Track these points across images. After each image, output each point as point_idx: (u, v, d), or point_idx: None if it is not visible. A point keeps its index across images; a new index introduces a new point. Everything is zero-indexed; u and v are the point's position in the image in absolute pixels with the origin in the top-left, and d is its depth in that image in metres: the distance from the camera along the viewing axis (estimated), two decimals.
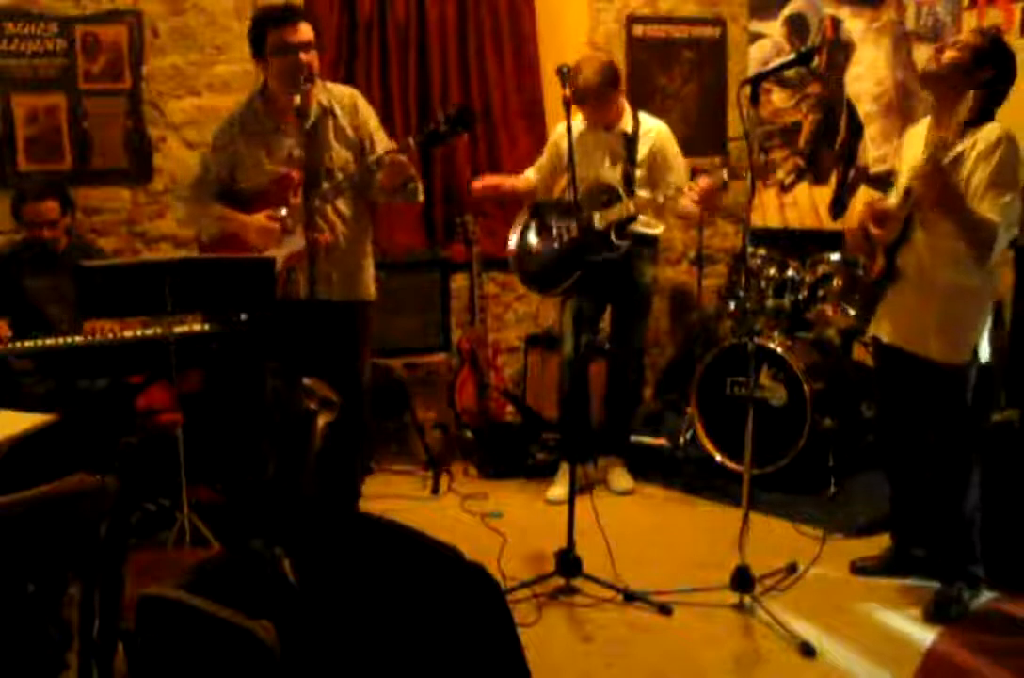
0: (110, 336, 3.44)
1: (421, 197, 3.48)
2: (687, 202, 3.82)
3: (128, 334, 3.48)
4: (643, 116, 4.14)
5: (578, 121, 3.98)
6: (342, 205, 3.35)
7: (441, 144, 3.18)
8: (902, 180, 3.12)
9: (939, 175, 2.83)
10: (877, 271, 3.13)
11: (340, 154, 3.32)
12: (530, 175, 4.31)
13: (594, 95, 3.89)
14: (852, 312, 3.66)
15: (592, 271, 3.73)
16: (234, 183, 3.40)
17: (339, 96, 3.37)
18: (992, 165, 2.86)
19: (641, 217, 4.08)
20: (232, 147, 3.37)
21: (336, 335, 3.36)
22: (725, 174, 3.67)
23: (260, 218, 3.28)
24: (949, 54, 2.94)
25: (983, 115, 2.92)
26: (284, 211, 3.27)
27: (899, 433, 3.29)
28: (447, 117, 3.07)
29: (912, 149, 3.11)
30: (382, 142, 3.42)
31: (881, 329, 3.22)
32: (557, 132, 4.25)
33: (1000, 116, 2.97)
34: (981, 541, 3.14)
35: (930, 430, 3.15)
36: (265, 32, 3.21)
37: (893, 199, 3.19)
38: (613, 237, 3.95)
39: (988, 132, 2.90)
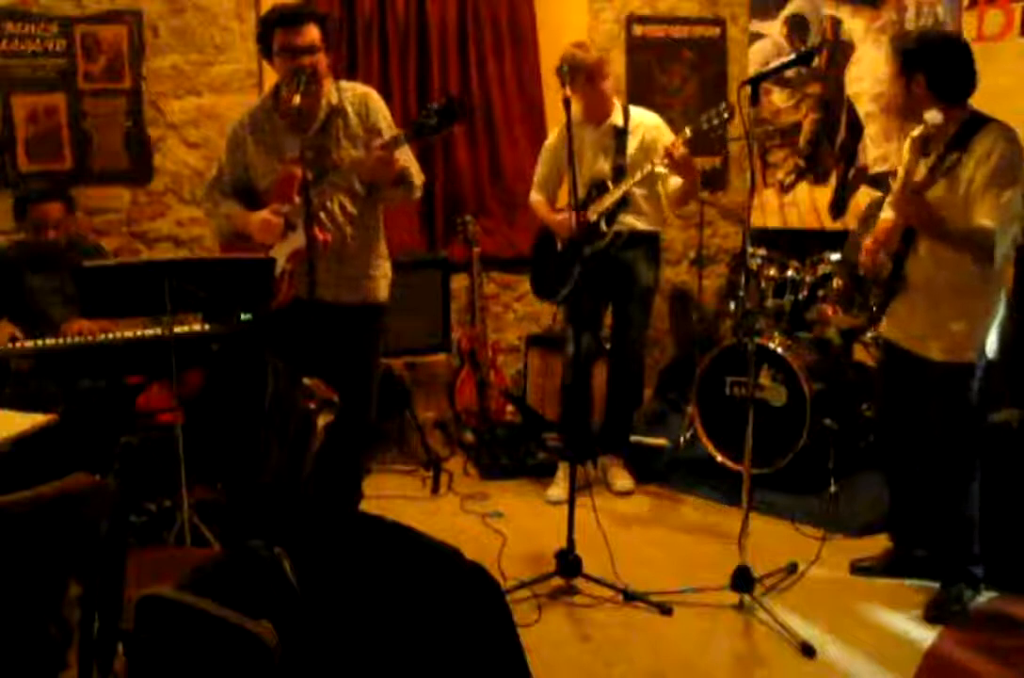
0: (90, 338, 3.43)
1: (418, 193, 3.46)
2: (672, 179, 3.95)
3: (128, 334, 3.47)
4: (634, 110, 4.16)
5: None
6: (350, 205, 3.34)
7: (434, 135, 3.14)
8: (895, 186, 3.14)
9: (913, 205, 2.88)
10: (885, 276, 3.13)
11: (350, 153, 3.30)
12: (537, 196, 4.30)
13: (595, 69, 3.92)
14: (874, 308, 3.63)
15: (591, 270, 3.73)
16: (251, 182, 3.41)
17: (352, 95, 3.36)
18: (990, 166, 2.86)
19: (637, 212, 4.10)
20: (243, 148, 3.36)
21: (344, 337, 3.36)
22: (688, 131, 3.70)
23: (263, 213, 3.27)
24: (887, 91, 3.01)
25: (974, 121, 2.92)
26: (287, 207, 3.26)
27: (899, 433, 3.28)
28: (436, 109, 3.05)
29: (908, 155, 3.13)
30: None
31: (889, 332, 3.23)
32: (548, 141, 4.30)
33: (1002, 115, 2.98)
34: (981, 541, 3.14)
35: (931, 430, 3.15)
36: (271, 32, 3.21)
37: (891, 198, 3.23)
38: (603, 225, 3.99)
39: (985, 135, 2.89)
